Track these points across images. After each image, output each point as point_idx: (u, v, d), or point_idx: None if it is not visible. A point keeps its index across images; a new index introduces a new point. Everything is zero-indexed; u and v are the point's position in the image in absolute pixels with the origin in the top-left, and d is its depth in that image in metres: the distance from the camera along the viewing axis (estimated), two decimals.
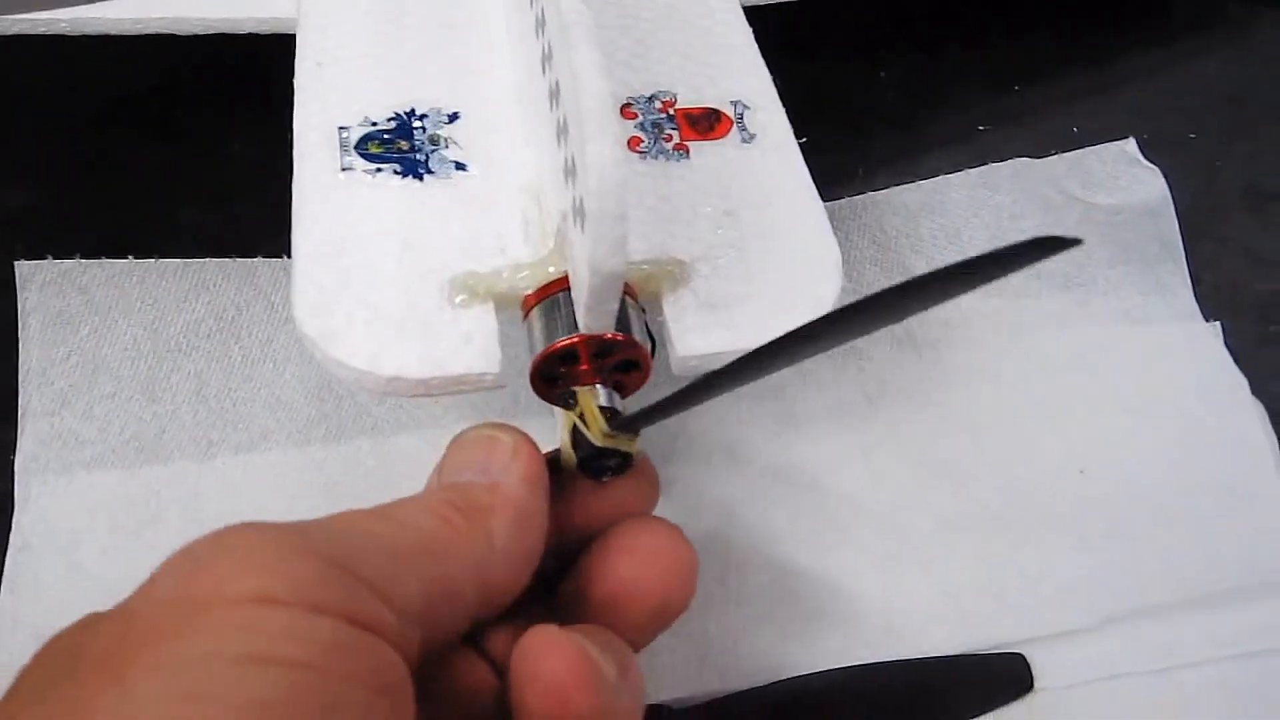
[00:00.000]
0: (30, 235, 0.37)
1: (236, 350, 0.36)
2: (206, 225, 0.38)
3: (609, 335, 0.27)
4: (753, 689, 0.31)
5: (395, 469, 0.34)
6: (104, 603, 0.30)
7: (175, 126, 0.41)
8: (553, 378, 0.28)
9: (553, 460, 0.27)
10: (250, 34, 0.36)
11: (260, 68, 0.35)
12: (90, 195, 0.40)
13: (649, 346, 0.29)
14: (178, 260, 0.36)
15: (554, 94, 0.29)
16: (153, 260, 0.36)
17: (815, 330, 0.21)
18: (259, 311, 0.36)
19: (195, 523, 0.33)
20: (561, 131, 0.28)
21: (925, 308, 0.22)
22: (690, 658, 0.31)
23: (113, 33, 0.36)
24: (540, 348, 0.28)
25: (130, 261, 0.36)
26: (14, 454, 0.33)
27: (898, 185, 0.40)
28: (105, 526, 0.32)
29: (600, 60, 0.26)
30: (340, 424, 0.35)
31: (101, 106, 0.42)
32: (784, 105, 0.34)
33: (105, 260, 0.36)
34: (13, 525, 0.32)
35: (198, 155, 0.40)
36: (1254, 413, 0.36)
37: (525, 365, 0.28)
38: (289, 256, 0.29)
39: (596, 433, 0.27)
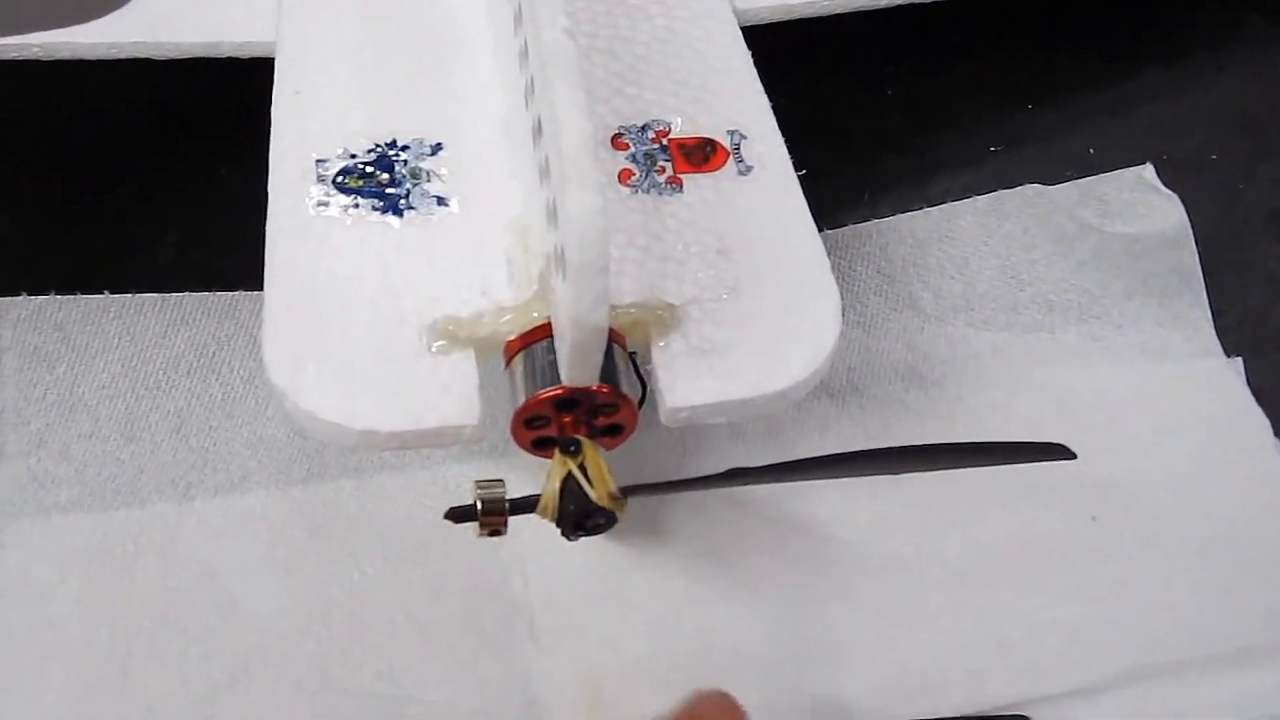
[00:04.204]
0: (6, 267, 0.36)
1: (217, 387, 0.35)
2: (187, 257, 0.38)
3: (594, 388, 0.26)
4: None
5: (378, 510, 0.33)
6: (78, 650, 0.29)
7: (155, 155, 0.40)
8: (535, 429, 0.27)
9: (519, 504, 0.26)
10: (231, 58, 0.35)
11: (246, 93, 0.33)
12: (67, 226, 0.39)
13: (638, 395, 0.28)
14: (156, 295, 0.35)
15: (537, 131, 0.28)
16: (130, 295, 0.35)
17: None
18: (240, 347, 0.35)
19: (171, 569, 0.32)
20: (544, 172, 0.27)
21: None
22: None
23: (86, 57, 0.35)
24: (522, 398, 0.27)
25: (107, 296, 0.35)
26: None
27: (904, 212, 0.39)
28: (80, 573, 0.32)
29: (583, 100, 0.25)
30: (323, 463, 0.34)
31: (79, 135, 0.41)
32: (784, 127, 0.32)
33: (81, 295, 0.35)
34: None
35: (178, 185, 0.39)
36: (1277, 455, 0.35)
37: (508, 411, 0.27)
38: None
39: (602, 492, 0.26)
